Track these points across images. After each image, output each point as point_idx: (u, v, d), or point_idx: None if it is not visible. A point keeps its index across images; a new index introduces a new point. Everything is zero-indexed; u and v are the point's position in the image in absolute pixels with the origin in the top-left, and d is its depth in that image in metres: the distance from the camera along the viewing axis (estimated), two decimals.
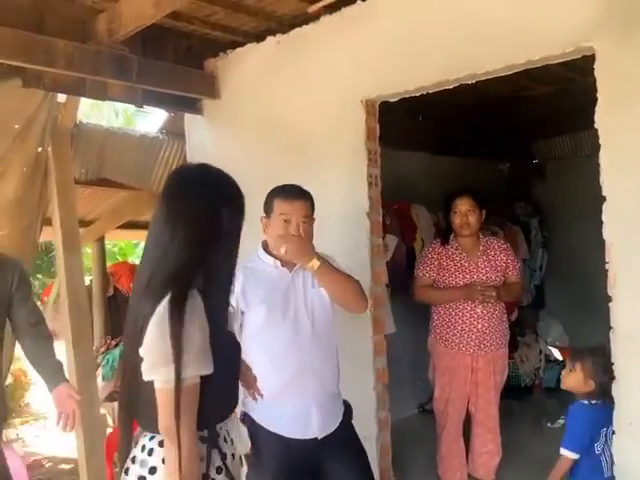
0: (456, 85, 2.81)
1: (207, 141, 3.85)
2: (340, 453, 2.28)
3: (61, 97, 3.54)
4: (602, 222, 2.28)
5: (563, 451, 2.35)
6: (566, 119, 5.48)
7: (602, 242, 2.27)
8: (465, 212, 3.34)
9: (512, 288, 3.47)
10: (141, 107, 3.76)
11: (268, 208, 2.37)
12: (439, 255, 3.43)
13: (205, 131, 3.86)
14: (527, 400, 5.31)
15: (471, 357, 3.32)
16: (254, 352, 2.15)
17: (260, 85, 3.52)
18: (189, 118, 3.98)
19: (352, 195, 3.09)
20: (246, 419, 2.27)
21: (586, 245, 5.73)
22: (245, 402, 2.24)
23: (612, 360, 2.24)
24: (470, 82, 2.76)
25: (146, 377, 1.45)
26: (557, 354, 6.03)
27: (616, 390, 2.22)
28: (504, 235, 5.33)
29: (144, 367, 1.44)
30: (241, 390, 1.98)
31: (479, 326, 3.28)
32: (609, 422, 2.26)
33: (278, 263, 2.35)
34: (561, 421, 5.07)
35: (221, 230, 1.51)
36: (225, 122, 3.77)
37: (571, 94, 4.83)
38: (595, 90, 2.26)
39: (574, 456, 2.33)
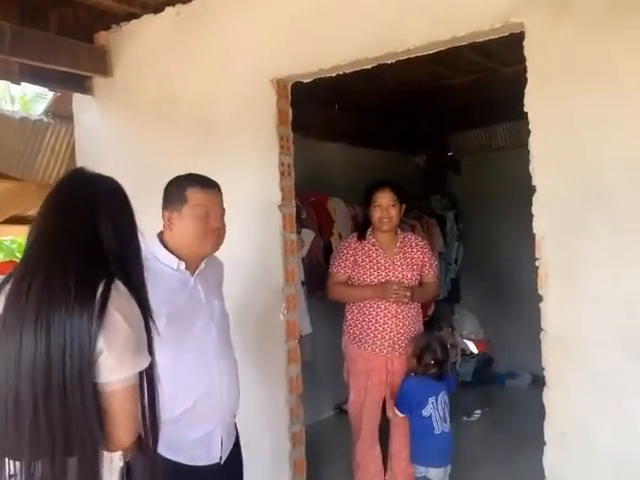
0: (375, 65, 2.57)
1: (98, 125, 3.43)
2: (237, 476, 2.12)
3: None
4: (526, 215, 2.11)
5: (395, 410, 3.04)
6: (482, 112, 5.48)
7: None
8: (386, 206, 3.16)
9: (427, 289, 3.34)
10: (19, 84, 3.29)
11: (177, 200, 2.02)
12: (355, 251, 3.24)
13: (96, 113, 3.44)
14: None
15: (385, 359, 3.16)
16: None
17: (158, 62, 3.15)
18: (78, 98, 3.54)
19: (262, 186, 2.80)
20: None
21: (501, 238, 5.88)
22: None
23: (543, 365, 2.07)
24: (390, 62, 2.52)
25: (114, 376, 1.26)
26: (473, 347, 6.04)
27: (547, 398, 2.05)
28: (421, 228, 5.24)
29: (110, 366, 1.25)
30: None
31: (393, 326, 3.13)
32: (436, 393, 3.00)
33: (182, 265, 2.02)
34: (477, 413, 5.11)
35: (110, 241, 1.36)
36: (119, 103, 3.37)
37: (489, 85, 4.78)
38: (517, 77, 2.09)
39: (402, 415, 3.03)
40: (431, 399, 3.01)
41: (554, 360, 2.02)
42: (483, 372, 6.00)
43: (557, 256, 2.04)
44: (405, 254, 3.24)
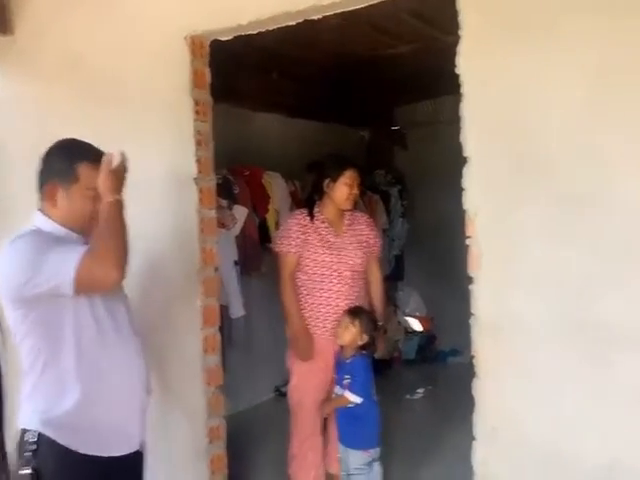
0: (300, 21, 2.31)
1: None
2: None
3: None
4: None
5: (349, 395, 2.77)
6: (428, 83, 5.28)
7: (464, 212, 1.91)
8: (355, 185, 3.04)
9: (380, 291, 3.22)
10: None
11: (66, 175, 1.78)
12: (305, 228, 3.05)
13: None
14: (387, 373, 5.18)
15: (334, 341, 3.00)
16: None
17: (60, 16, 2.81)
18: None
19: (176, 156, 2.52)
20: (40, 441, 1.74)
21: (446, 215, 5.68)
22: (44, 418, 1.75)
23: (473, 353, 1.89)
24: (316, 17, 2.27)
25: None
26: (416, 325, 5.98)
27: (477, 389, 1.88)
28: (364, 204, 5.07)
29: None
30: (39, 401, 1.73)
31: (345, 306, 2.99)
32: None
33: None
34: (420, 392, 5.06)
35: None
36: (20, 63, 3.01)
37: (434, 54, 4.56)
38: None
39: (359, 400, 2.76)
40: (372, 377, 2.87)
41: (485, 348, 1.85)
42: (427, 350, 5.96)
43: (491, 234, 1.86)
44: (355, 231, 3.12)
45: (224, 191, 3.80)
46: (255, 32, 2.45)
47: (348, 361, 2.82)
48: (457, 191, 1.94)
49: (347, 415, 2.83)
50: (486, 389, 1.86)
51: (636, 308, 1.64)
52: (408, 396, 4.93)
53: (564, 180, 1.71)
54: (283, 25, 2.36)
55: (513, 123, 1.78)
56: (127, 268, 1.68)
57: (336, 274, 3.01)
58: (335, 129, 5.48)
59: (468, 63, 1.82)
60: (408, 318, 5.94)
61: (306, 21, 2.35)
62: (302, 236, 3.02)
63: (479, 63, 1.80)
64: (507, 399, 1.84)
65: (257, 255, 4.26)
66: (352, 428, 2.84)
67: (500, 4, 1.80)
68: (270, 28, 2.40)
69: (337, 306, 2.99)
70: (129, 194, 1.82)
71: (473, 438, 1.92)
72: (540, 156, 1.75)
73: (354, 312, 2.86)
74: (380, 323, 3.07)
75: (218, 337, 2.56)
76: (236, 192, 4.07)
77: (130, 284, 1.89)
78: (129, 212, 1.78)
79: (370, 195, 5.44)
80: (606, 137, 1.66)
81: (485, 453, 1.88)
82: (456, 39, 1.88)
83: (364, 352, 2.83)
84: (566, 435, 1.77)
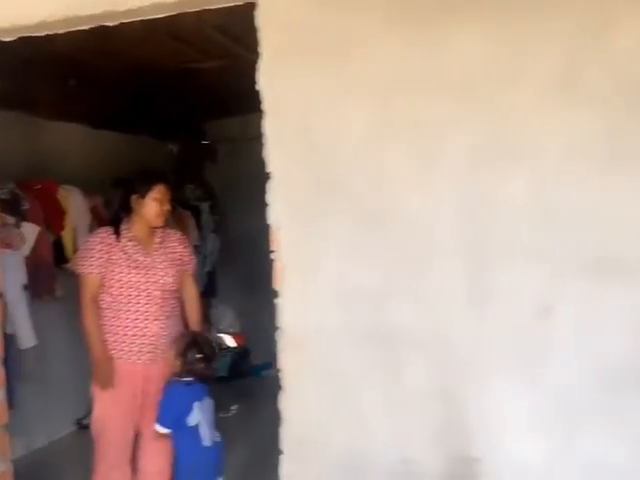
0: (94, 26, 2.17)
1: None
2: None
3: None
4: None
5: (157, 426, 2.70)
6: (235, 100, 5.32)
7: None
8: (165, 200, 2.96)
9: (195, 306, 3.16)
10: None
11: None
12: (109, 247, 2.89)
13: None
14: None
15: (144, 365, 2.89)
16: None
17: None
18: None
19: None
20: None
21: (256, 230, 5.78)
22: None
23: (279, 367, 1.91)
24: (112, 24, 2.15)
25: None
26: (229, 341, 5.97)
27: (284, 403, 1.90)
28: (174, 220, 4.94)
29: None
30: None
31: (155, 329, 2.90)
32: (202, 396, 2.73)
33: None
34: (234, 409, 5.02)
35: None
36: None
37: (239, 72, 4.60)
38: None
39: (165, 430, 2.70)
40: (197, 404, 2.72)
41: (290, 361, 1.88)
42: (241, 365, 5.96)
43: (293, 249, 1.91)
44: (166, 249, 3.02)
45: (11, 207, 3.46)
46: (43, 34, 2.25)
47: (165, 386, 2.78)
48: (265, 206, 1.96)
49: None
50: (291, 402, 1.89)
51: (422, 313, 1.79)
52: (221, 414, 4.84)
53: (357, 197, 1.81)
54: (74, 30, 2.20)
55: (310, 141, 1.85)
56: None
57: (145, 294, 2.90)
58: (143, 142, 5.30)
59: (267, 81, 1.85)
60: (221, 335, 5.90)
61: (105, 28, 2.22)
62: (105, 255, 2.87)
63: (278, 82, 1.84)
64: (312, 410, 1.89)
65: (50, 277, 3.93)
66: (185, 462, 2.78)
67: (297, 26, 1.86)
68: (60, 31, 2.22)
69: (146, 328, 2.88)
70: None
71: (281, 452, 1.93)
72: (336, 174, 1.84)
73: (179, 337, 2.84)
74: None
75: (2, 370, 2.29)
76: (25, 208, 3.71)
77: None
78: None
79: (181, 211, 5.33)
80: (391, 155, 1.79)
81: (292, 467, 1.90)
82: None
83: (184, 379, 2.75)
84: (366, 439, 1.86)
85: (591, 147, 1.67)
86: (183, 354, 2.75)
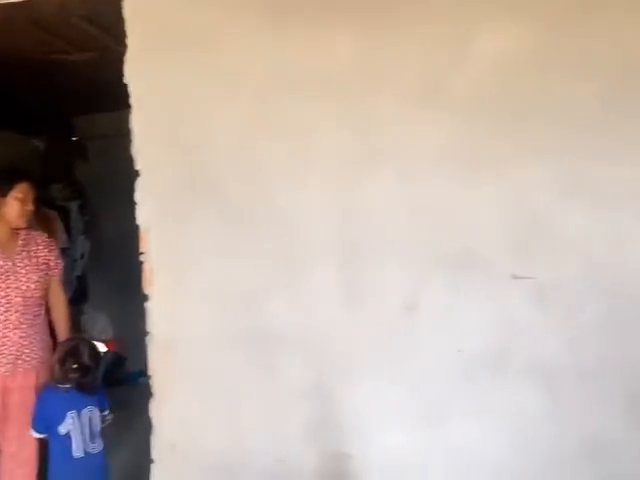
0: None
1: None
2: None
3: None
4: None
5: (31, 431, 2.65)
6: (107, 94, 5.09)
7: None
8: (28, 200, 2.78)
9: (64, 312, 3.01)
10: None
11: None
12: None
13: None
14: None
15: (3, 376, 2.72)
16: None
17: None
18: None
19: None
20: None
21: (129, 231, 5.60)
22: None
23: (150, 373, 1.85)
24: None
25: None
26: (102, 347, 5.72)
27: (155, 410, 1.84)
28: (38, 221, 4.64)
29: None
30: None
31: (16, 338, 2.74)
32: (80, 407, 2.62)
33: None
34: (109, 418, 4.82)
35: None
36: None
37: (110, 65, 4.43)
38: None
39: (38, 435, 2.65)
40: (71, 413, 2.61)
41: (161, 366, 1.83)
42: (116, 373, 5.73)
43: (163, 250, 1.86)
44: (29, 253, 2.84)
45: None
46: None
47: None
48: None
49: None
50: (162, 407, 1.84)
51: (296, 313, 1.81)
52: None
53: (228, 196, 1.80)
54: None
55: (180, 139, 1.81)
56: None
57: (4, 301, 2.71)
58: (4, 137, 4.92)
59: (134, 74, 1.78)
60: (94, 341, 5.65)
61: None
62: None
63: (144, 74, 1.79)
64: (185, 415, 1.86)
65: None
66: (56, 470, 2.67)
67: (166, 18, 1.81)
68: None
69: (5, 337, 2.70)
70: None
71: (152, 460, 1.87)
72: (207, 173, 1.81)
73: (60, 344, 2.79)
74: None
75: None
76: None
77: None
78: None
79: (46, 211, 5.01)
80: (264, 154, 1.79)
81: (163, 474, 1.85)
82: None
83: (61, 386, 2.66)
84: (241, 440, 1.85)
85: (454, 152, 1.76)
86: (61, 362, 2.66)
